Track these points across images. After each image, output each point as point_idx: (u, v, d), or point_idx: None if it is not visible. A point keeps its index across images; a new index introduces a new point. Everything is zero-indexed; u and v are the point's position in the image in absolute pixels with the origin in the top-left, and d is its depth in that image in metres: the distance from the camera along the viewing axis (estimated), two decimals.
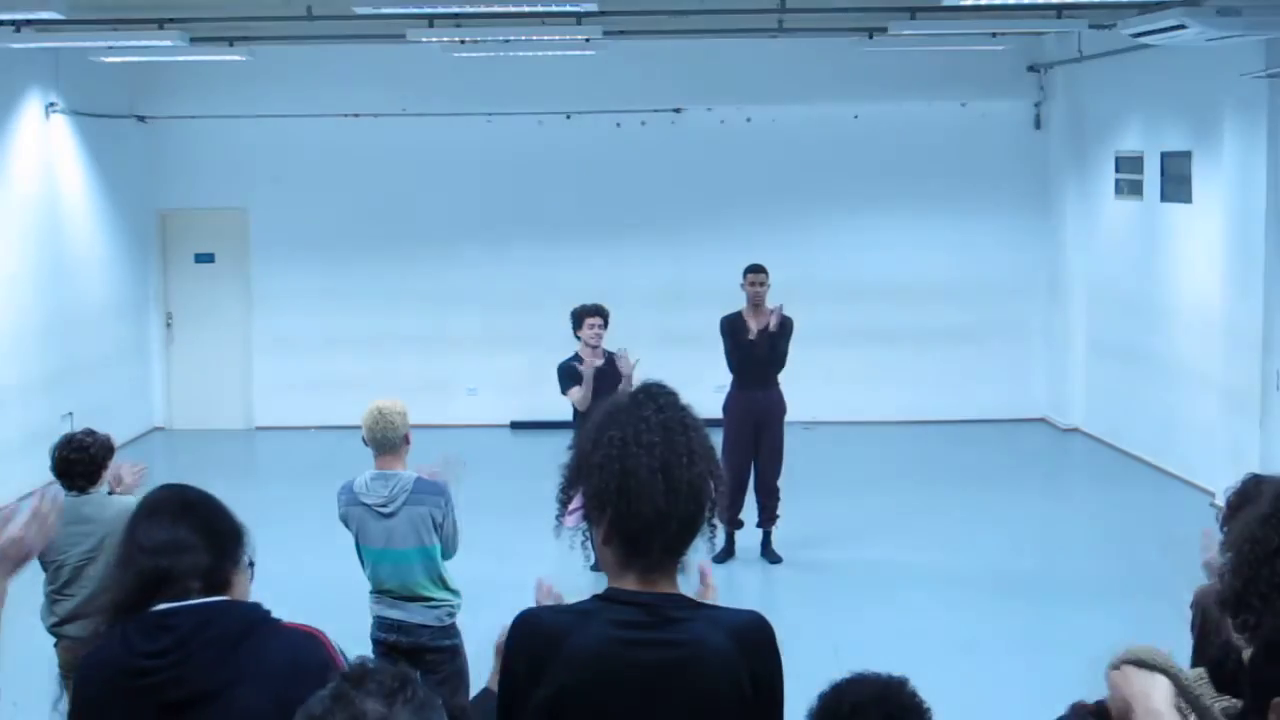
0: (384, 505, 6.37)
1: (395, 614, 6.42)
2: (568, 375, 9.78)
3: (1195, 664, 4.47)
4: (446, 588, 6.55)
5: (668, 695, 2.78)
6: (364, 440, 6.52)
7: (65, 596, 6.26)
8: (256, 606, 3.02)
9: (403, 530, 6.38)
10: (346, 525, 6.51)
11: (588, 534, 2.96)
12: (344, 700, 2.11)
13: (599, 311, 10.01)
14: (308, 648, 2.92)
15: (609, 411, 2.93)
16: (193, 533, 3.03)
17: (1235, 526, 3.29)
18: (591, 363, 9.71)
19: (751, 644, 2.85)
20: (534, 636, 2.85)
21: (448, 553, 6.55)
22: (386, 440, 6.42)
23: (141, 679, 2.88)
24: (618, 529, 2.84)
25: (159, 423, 16.25)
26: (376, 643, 6.40)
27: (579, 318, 10.04)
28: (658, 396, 2.92)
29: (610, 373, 9.54)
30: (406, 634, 6.42)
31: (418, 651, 6.32)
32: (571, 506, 2.94)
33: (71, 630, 6.27)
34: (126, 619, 2.95)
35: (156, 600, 2.94)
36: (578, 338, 10.04)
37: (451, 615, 6.54)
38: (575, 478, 2.92)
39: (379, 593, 6.51)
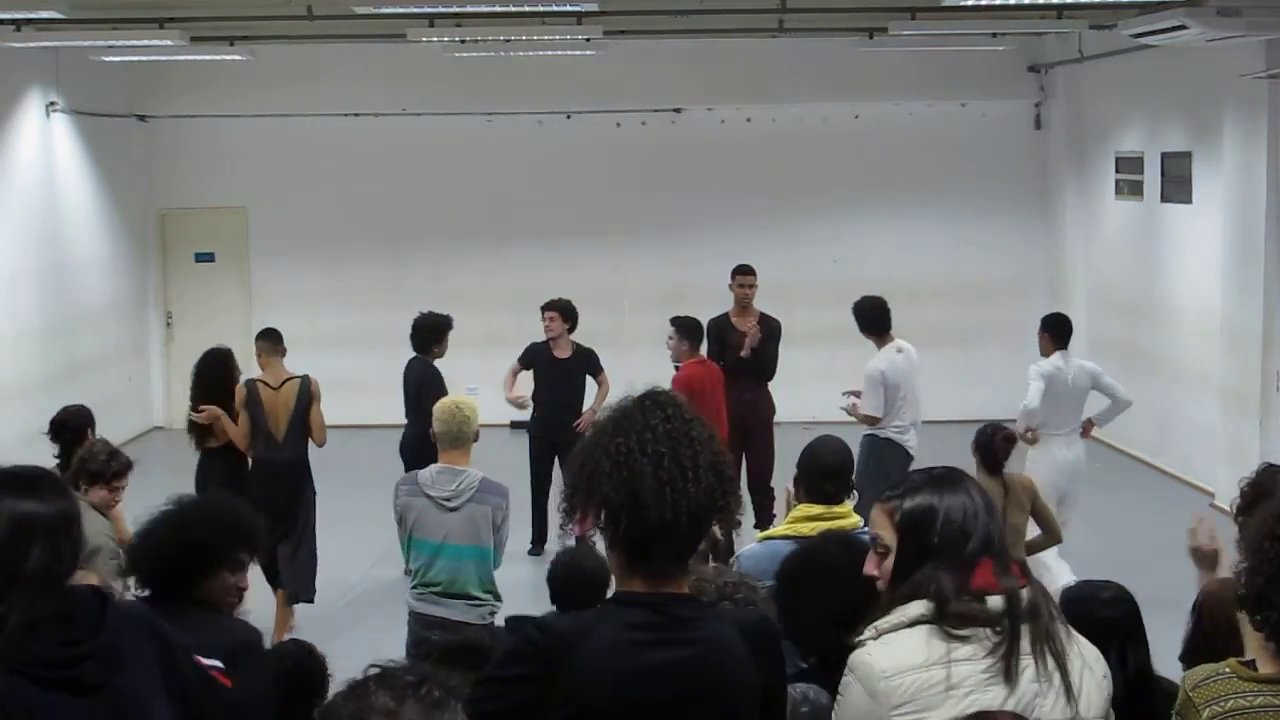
0: (449, 499, 6.40)
1: (439, 611, 6.38)
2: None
3: (1189, 664, 4.43)
4: (491, 591, 6.54)
5: (687, 693, 2.76)
6: (430, 435, 6.65)
7: None
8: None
9: (461, 526, 6.40)
10: (402, 519, 6.49)
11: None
12: (359, 693, 2.20)
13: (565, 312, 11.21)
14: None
15: (616, 418, 2.87)
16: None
17: (1252, 523, 3.22)
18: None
19: (762, 646, 2.85)
20: (543, 645, 2.78)
21: (496, 560, 6.53)
22: (461, 435, 6.53)
23: (67, 670, 2.87)
24: (625, 536, 2.82)
25: (159, 422, 16.24)
26: (418, 642, 6.29)
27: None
28: (665, 405, 2.88)
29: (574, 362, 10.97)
30: (449, 631, 6.28)
31: None
32: (579, 515, 2.88)
33: None
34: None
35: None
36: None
37: (492, 614, 6.52)
38: (582, 484, 2.86)
39: (423, 587, 6.46)
